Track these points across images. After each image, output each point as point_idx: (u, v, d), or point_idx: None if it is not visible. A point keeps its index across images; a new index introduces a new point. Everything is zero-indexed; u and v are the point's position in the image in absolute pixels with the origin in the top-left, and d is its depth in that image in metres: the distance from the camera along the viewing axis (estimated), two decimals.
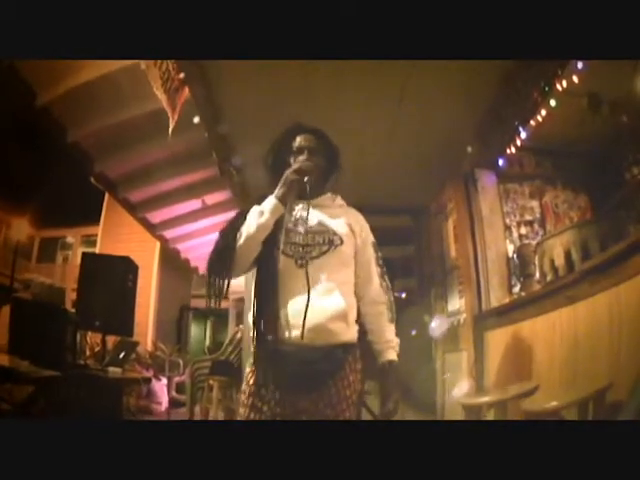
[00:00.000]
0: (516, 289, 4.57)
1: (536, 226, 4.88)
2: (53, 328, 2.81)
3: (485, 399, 3.29)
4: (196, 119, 4.25)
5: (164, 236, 8.24)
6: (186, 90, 3.83)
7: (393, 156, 5.01)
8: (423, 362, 5.76)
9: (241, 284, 4.32)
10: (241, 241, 1.69)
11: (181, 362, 8.58)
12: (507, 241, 4.81)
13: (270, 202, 1.72)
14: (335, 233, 1.75)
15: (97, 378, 3.08)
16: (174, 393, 8.18)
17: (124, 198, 6.91)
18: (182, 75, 3.65)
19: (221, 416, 5.12)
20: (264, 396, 1.64)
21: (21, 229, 14.08)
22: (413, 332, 5.85)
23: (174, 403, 7.42)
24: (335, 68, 3.57)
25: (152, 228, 7.89)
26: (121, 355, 3.70)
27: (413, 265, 6.97)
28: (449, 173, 5.24)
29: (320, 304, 1.62)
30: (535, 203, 4.96)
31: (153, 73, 3.60)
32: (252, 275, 1.78)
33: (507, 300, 4.40)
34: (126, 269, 3.80)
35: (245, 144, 4.66)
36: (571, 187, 5.01)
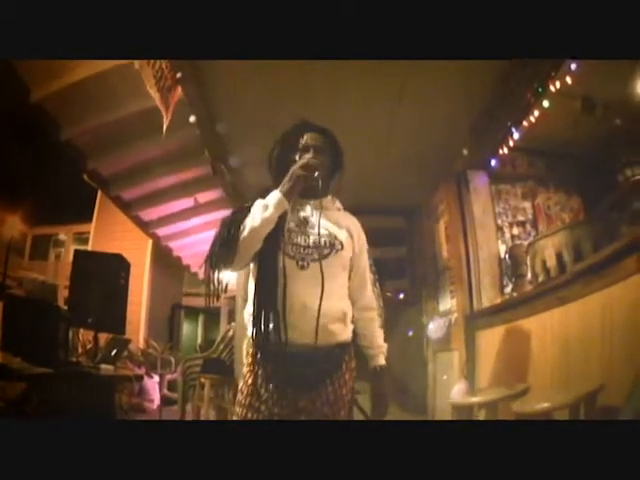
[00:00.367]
0: (508, 289, 4.60)
1: (528, 227, 4.90)
2: (46, 325, 2.81)
3: (476, 399, 3.31)
4: (192, 118, 4.25)
5: (156, 234, 8.19)
6: (179, 89, 3.82)
7: (391, 156, 5.03)
8: (415, 362, 5.79)
9: (232, 282, 4.31)
10: (245, 233, 1.66)
11: (173, 360, 8.53)
12: (499, 242, 4.83)
13: (275, 196, 1.69)
14: (336, 237, 1.74)
15: (89, 375, 3.08)
16: (166, 391, 8.14)
17: (117, 196, 6.86)
18: (179, 75, 3.65)
19: (212, 415, 5.10)
20: (263, 396, 1.64)
21: (14, 226, 14.00)
22: (410, 333, 5.88)
23: (166, 401, 7.38)
24: (333, 68, 3.58)
25: (144, 226, 7.84)
26: (113, 352, 3.69)
27: (405, 266, 7.00)
28: (444, 173, 5.26)
29: (323, 306, 1.63)
30: (527, 204, 4.98)
31: (146, 72, 3.58)
32: (244, 274, 1.76)
33: (499, 300, 4.42)
34: (118, 266, 3.79)
35: (242, 144, 4.67)
36: (564, 189, 5.03)
